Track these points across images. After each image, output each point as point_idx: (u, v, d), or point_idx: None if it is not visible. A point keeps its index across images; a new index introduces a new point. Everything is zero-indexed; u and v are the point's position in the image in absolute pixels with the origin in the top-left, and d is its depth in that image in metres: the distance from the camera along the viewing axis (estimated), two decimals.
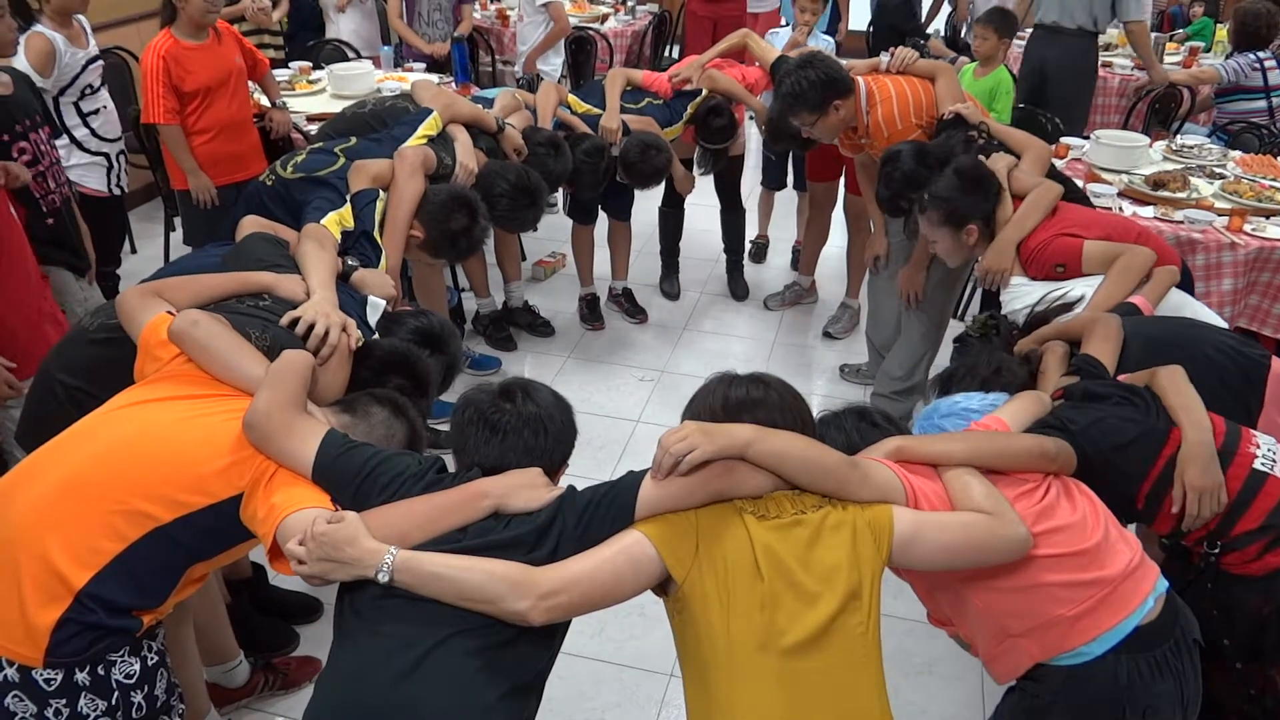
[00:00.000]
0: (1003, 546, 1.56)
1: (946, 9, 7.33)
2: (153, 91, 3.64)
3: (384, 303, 2.27)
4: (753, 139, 5.45)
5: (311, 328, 1.96)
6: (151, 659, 1.70)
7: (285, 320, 2.00)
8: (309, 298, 2.07)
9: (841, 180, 4.27)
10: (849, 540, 1.50)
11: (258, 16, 5.01)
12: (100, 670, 1.62)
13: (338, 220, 2.58)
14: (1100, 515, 1.69)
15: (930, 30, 7.20)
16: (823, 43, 4.55)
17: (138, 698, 1.67)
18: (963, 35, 6.83)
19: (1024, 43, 6.08)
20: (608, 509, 1.53)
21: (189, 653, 2.16)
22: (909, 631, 2.77)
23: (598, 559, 1.48)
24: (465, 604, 1.44)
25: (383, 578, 1.45)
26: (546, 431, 1.64)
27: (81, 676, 1.60)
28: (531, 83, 4.87)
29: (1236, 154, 4.17)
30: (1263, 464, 1.83)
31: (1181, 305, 2.50)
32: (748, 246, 5.08)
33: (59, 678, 1.59)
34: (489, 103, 3.59)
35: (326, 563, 1.46)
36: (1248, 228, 3.42)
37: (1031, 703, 1.67)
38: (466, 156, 3.18)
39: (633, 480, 1.56)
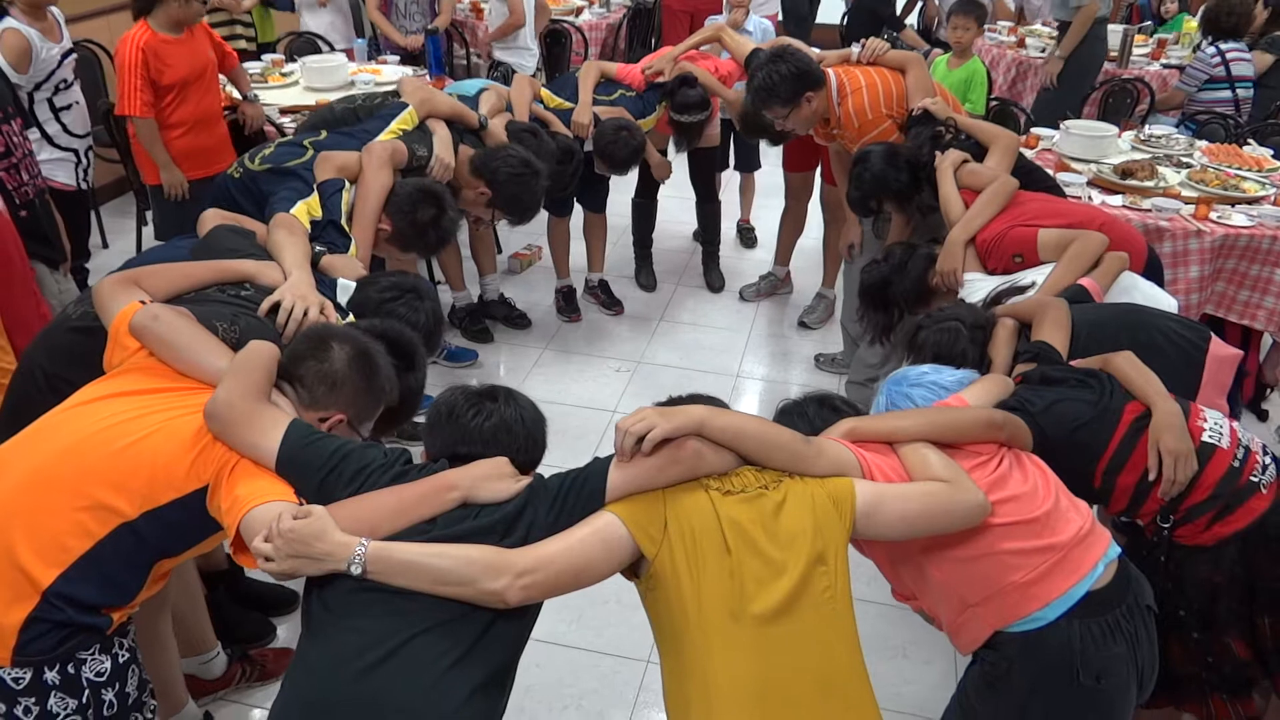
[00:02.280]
0: (961, 511, 1.62)
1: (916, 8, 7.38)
2: (130, 84, 3.58)
3: (353, 284, 2.27)
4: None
5: (291, 313, 1.96)
6: (123, 656, 1.69)
7: (264, 306, 1.99)
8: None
9: (818, 171, 4.30)
10: (810, 510, 1.56)
11: (227, 2, 4.97)
12: (70, 669, 1.61)
13: (306, 210, 2.58)
14: (1051, 484, 1.75)
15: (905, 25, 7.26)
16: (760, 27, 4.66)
17: (109, 695, 1.66)
18: (934, 32, 6.89)
19: (996, 35, 6.18)
20: (578, 495, 1.57)
21: (167, 643, 2.15)
22: (882, 615, 2.80)
23: (571, 540, 1.51)
24: (440, 589, 1.45)
25: (355, 570, 1.45)
26: (521, 434, 1.67)
27: (51, 675, 1.59)
28: (506, 75, 4.86)
29: (1203, 144, 4.23)
30: (1210, 437, 1.90)
31: (1130, 287, 2.56)
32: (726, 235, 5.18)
33: (28, 676, 1.58)
34: (471, 100, 3.58)
35: (296, 559, 1.45)
36: (1213, 215, 3.48)
37: (990, 670, 1.72)
38: (444, 150, 3.18)
39: (601, 466, 1.60)
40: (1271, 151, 4.09)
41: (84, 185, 3.82)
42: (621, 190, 4.46)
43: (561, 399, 3.82)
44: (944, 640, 2.72)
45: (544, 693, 2.54)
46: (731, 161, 5.01)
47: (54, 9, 3.60)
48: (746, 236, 5.26)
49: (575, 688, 2.57)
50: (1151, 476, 1.86)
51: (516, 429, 1.67)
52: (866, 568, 2.73)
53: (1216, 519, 1.84)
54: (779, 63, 3.22)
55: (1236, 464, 1.87)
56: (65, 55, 3.63)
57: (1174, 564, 1.87)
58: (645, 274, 4.77)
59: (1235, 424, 1.98)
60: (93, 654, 1.63)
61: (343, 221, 2.69)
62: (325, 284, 2.27)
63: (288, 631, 2.71)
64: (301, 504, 1.55)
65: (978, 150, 3.10)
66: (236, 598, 2.69)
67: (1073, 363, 2.11)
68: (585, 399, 3.86)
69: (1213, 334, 2.29)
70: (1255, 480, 1.86)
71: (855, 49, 3.47)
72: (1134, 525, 1.98)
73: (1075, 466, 1.88)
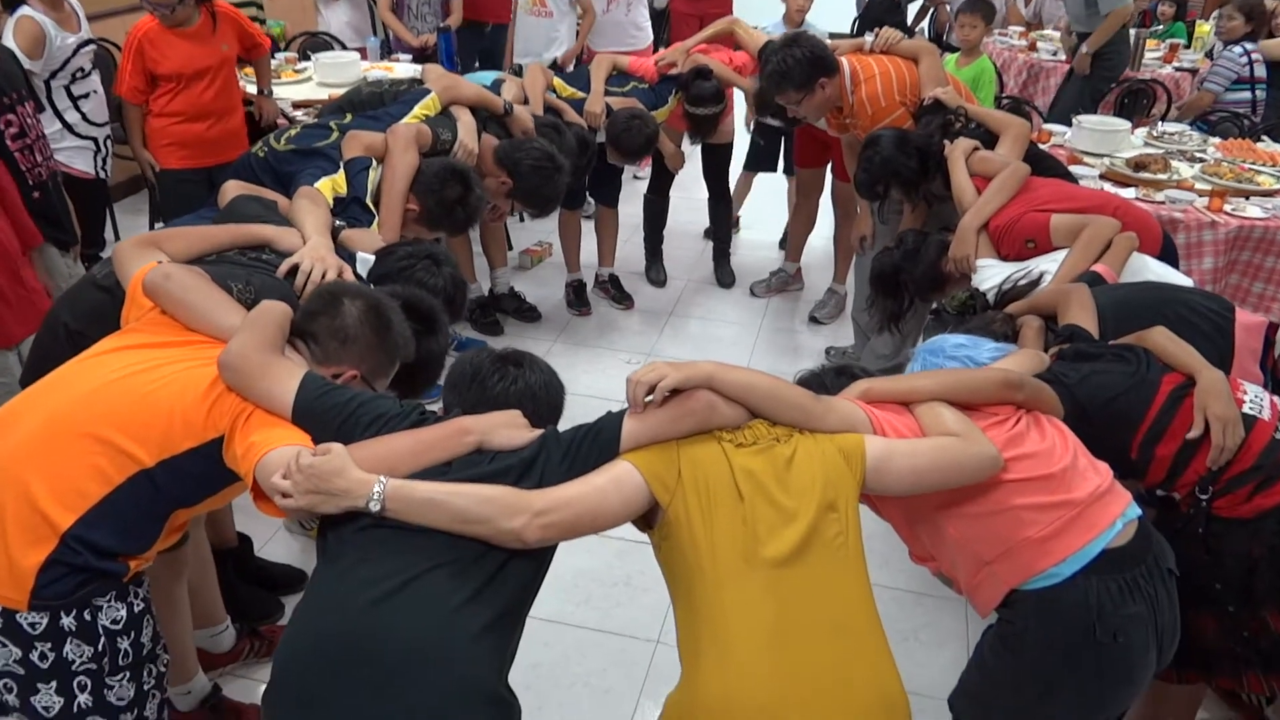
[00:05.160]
0: (973, 464, 1.61)
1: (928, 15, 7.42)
2: (124, 68, 3.68)
3: (372, 258, 2.28)
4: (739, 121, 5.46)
5: (309, 276, 1.98)
6: (138, 605, 1.69)
7: (283, 267, 2.01)
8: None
9: (828, 167, 4.31)
10: (820, 462, 1.57)
11: None
12: (87, 615, 1.61)
13: (331, 185, 2.61)
14: (1069, 443, 1.74)
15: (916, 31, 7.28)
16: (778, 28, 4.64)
17: (124, 644, 1.66)
18: (945, 38, 6.91)
19: (1007, 39, 6.20)
20: (593, 444, 1.58)
21: (182, 610, 2.15)
22: (894, 599, 2.79)
23: (588, 486, 1.52)
24: (459, 527, 1.45)
25: (374, 507, 1.45)
26: (544, 400, 1.70)
27: (67, 621, 1.59)
28: (518, 69, 4.89)
29: (1216, 139, 4.23)
30: (1251, 408, 1.88)
31: (1141, 268, 2.55)
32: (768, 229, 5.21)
33: (44, 621, 1.57)
34: (489, 90, 3.60)
35: (314, 495, 1.46)
36: (1227, 208, 3.47)
37: (1007, 629, 1.70)
38: (467, 135, 3.21)
39: (615, 418, 1.61)
40: None
41: (102, 174, 3.85)
42: (634, 188, 4.45)
43: (571, 389, 3.65)
44: (955, 624, 2.74)
45: (551, 670, 2.53)
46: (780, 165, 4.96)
47: (72, 0, 3.64)
48: None
49: (583, 666, 2.56)
50: (1195, 434, 1.83)
51: (540, 395, 1.70)
52: (877, 553, 2.72)
53: (1258, 490, 1.81)
54: (794, 48, 3.24)
55: (1278, 435, 1.85)
56: (82, 45, 3.66)
57: (1211, 536, 1.83)
58: (656, 269, 4.77)
59: (1275, 398, 1.96)
60: (109, 601, 1.63)
61: (368, 200, 2.71)
62: (345, 258, 2.27)
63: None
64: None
65: (988, 139, 3.10)
66: (245, 575, 2.68)
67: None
68: (595, 390, 3.85)
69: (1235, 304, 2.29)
70: None
71: (868, 38, 3.48)
72: (1167, 499, 1.95)
73: (1112, 438, 1.87)
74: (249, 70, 4.33)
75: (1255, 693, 1.92)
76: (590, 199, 4.48)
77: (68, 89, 3.64)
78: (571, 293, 4.48)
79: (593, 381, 3.92)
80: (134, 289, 1.85)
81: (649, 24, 5.29)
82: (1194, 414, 1.85)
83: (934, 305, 2.98)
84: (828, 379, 1.89)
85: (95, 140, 3.77)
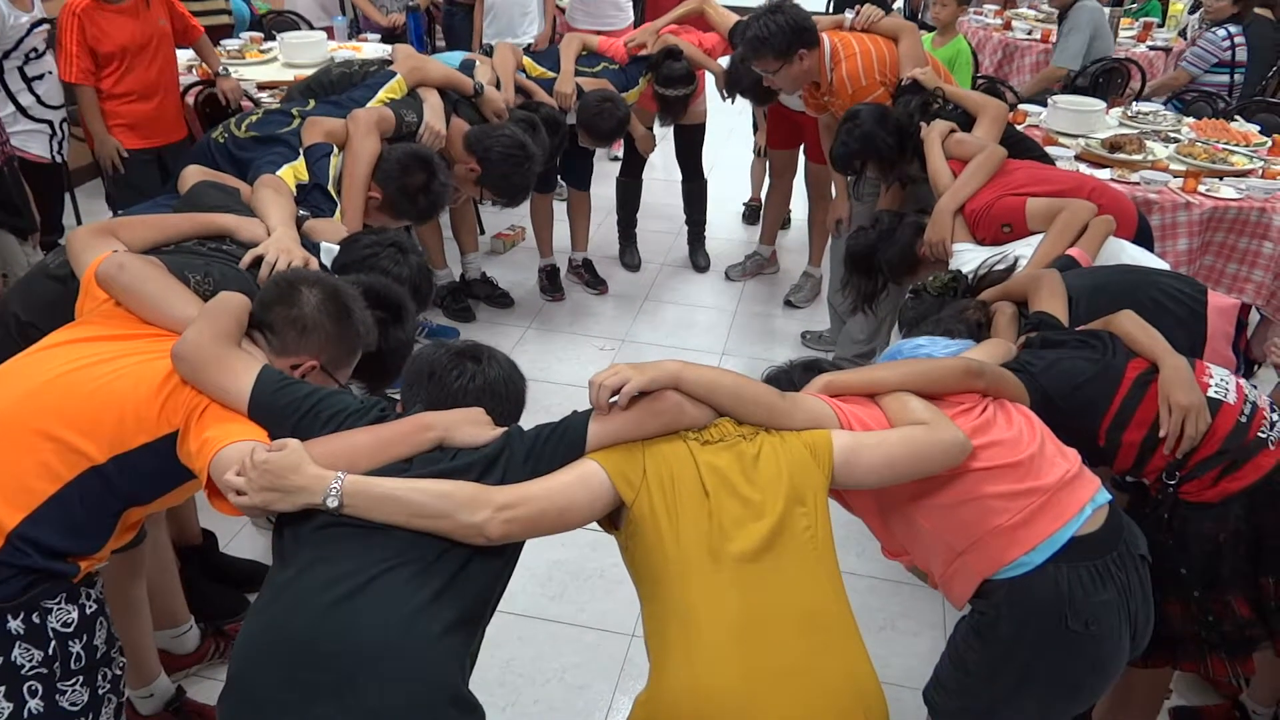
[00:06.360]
0: (941, 450, 1.59)
1: None
2: (68, 50, 3.48)
3: (336, 248, 2.22)
4: (713, 100, 5.38)
5: (274, 267, 1.92)
6: (90, 607, 1.63)
7: (246, 259, 1.95)
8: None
9: (801, 149, 4.26)
10: (787, 458, 1.55)
11: None
12: (35, 618, 1.55)
13: (292, 173, 2.55)
14: (1036, 430, 1.72)
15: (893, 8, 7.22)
16: None
17: (76, 647, 1.61)
18: (920, 16, 6.86)
19: (982, 18, 6.16)
20: (558, 443, 1.55)
21: (140, 611, 2.09)
22: (871, 588, 2.78)
23: (553, 483, 1.49)
24: (419, 523, 1.41)
25: (332, 503, 1.41)
26: (504, 395, 1.65)
27: (15, 624, 1.53)
28: (488, 49, 4.79)
29: (1190, 120, 4.21)
30: (1216, 392, 1.86)
31: (1119, 252, 2.54)
32: (740, 209, 5.23)
33: None
34: (460, 69, 3.52)
35: (269, 492, 1.41)
36: (1202, 188, 3.46)
37: (980, 620, 1.69)
38: (434, 117, 3.13)
39: (581, 418, 1.58)
40: (1259, 128, 4.08)
41: (58, 158, 3.74)
42: (606, 171, 4.39)
43: (544, 377, 3.76)
44: (932, 613, 2.73)
45: (526, 666, 2.49)
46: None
47: None
48: (753, 214, 5.20)
49: (558, 661, 2.52)
50: (1163, 433, 1.81)
51: (500, 390, 1.65)
52: (854, 542, 2.71)
53: (1224, 475, 1.80)
54: (776, 14, 3.18)
55: (1244, 419, 1.83)
56: (36, 25, 3.55)
57: (1177, 521, 1.82)
58: (630, 253, 4.72)
59: (1241, 380, 1.95)
60: (59, 603, 1.57)
61: (330, 187, 2.64)
62: (309, 247, 2.21)
63: None
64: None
65: (966, 121, 3.06)
66: (210, 573, 2.62)
67: (1077, 329, 2.07)
68: (568, 377, 3.80)
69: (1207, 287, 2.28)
70: (1263, 436, 1.82)
71: (849, 15, 3.42)
72: (1137, 484, 1.94)
73: (1080, 425, 1.86)
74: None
75: (1219, 676, 1.92)
76: (562, 182, 4.41)
77: (21, 70, 3.53)
78: (544, 278, 4.42)
79: (566, 369, 3.87)
80: (88, 279, 1.78)
81: (630, 4, 5.17)
82: (1158, 403, 1.83)
83: (911, 287, 2.95)
84: (795, 375, 1.86)
85: (50, 123, 3.66)
